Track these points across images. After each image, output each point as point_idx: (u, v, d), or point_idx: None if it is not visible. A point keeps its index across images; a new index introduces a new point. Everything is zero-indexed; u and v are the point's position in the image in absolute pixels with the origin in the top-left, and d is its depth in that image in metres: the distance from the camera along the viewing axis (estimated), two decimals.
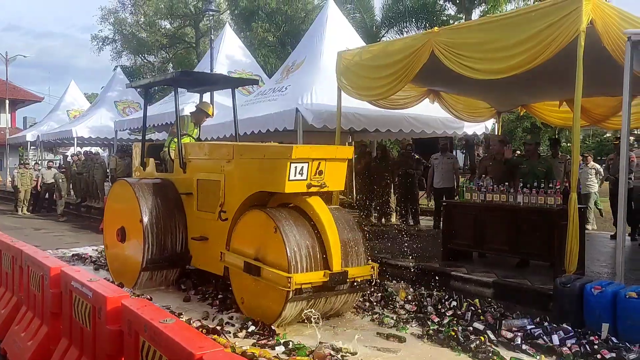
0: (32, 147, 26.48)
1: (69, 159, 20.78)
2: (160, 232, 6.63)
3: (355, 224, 5.88)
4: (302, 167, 5.40)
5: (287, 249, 5.17)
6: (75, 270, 3.71)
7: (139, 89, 15.96)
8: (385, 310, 5.96)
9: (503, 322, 5.23)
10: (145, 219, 6.55)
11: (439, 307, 5.84)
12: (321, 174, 5.54)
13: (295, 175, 5.39)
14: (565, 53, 6.07)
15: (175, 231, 6.75)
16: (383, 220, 11.88)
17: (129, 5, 34.54)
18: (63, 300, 3.67)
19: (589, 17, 5.81)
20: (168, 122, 12.83)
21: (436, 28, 7.70)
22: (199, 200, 6.69)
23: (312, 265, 5.28)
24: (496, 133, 12.08)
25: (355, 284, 5.50)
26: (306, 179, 5.46)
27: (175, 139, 7.18)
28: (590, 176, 11.46)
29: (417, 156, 11.51)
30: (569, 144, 28.97)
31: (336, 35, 12.29)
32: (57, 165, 20.72)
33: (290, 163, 5.33)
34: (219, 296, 6.39)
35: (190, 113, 8.00)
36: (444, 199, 9.29)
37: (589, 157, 11.99)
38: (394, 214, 12.01)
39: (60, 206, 16.69)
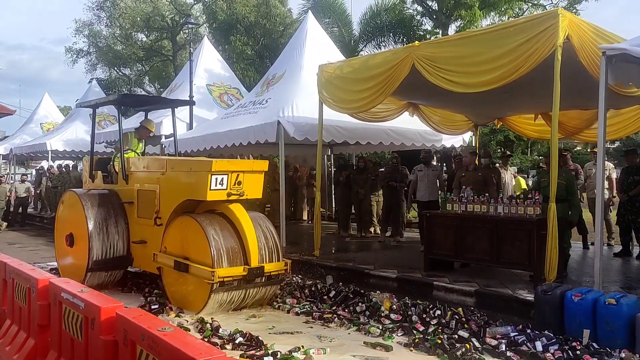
0: (3, 161, 25.94)
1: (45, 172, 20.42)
2: (104, 237, 7.43)
3: (272, 227, 6.80)
4: (222, 178, 6.33)
5: (211, 248, 6.05)
6: (65, 282, 3.66)
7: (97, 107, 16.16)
8: (370, 320, 6.00)
9: (487, 329, 5.32)
10: (90, 225, 7.35)
11: (424, 316, 5.89)
12: (240, 184, 6.48)
13: (216, 185, 6.29)
14: (541, 67, 6.26)
15: (118, 236, 7.55)
16: (363, 232, 11.92)
17: (104, 18, 34.27)
18: (52, 312, 3.62)
19: (565, 33, 6.02)
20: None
21: (417, 42, 7.83)
22: (138, 208, 7.52)
23: (233, 261, 6.17)
24: (473, 145, 12.33)
25: (271, 277, 6.45)
26: (226, 189, 6.38)
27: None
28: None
29: (405, 169, 11.39)
30: (540, 156, 29.64)
31: (316, 48, 12.43)
32: (29, 178, 20.36)
33: (211, 175, 6.24)
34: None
35: (135, 129, 8.73)
36: None
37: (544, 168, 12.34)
38: (375, 226, 12.04)
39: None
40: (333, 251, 10.10)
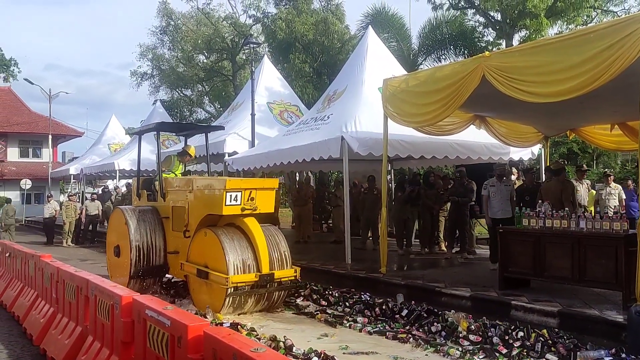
0: (73, 180, 27.11)
1: (112, 191, 21.17)
2: (144, 249, 8.20)
3: (282, 238, 7.52)
4: (236, 195, 7.11)
5: (226, 257, 6.84)
6: (148, 299, 3.66)
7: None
8: (447, 341, 5.75)
9: (578, 353, 4.98)
10: (132, 238, 8.15)
11: (506, 337, 5.58)
12: (253, 200, 7.22)
13: (230, 201, 7.08)
14: (621, 74, 5.89)
15: (157, 247, 8.33)
16: (427, 248, 11.60)
17: (167, 42, 35.59)
18: (135, 329, 3.62)
19: None
20: (213, 153, 13.14)
21: (487, 52, 7.59)
22: (173, 222, 8.36)
23: (246, 269, 6.93)
24: (543, 158, 11.84)
25: (281, 283, 7.16)
26: (240, 204, 7.15)
27: (164, 175, 8.90)
28: (612, 197, 10.95)
29: (472, 183, 10.93)
30: (605, 169, 28.21)
31: (377, 63, 12.31)
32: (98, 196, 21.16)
33: (226, 192, 7.03)
34: None
35: (177, 153, 9.74)
36: None
37: (611, 177, 11.72)
38: (442, 242, 11.70)
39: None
40: (395, 268, 9.86)
